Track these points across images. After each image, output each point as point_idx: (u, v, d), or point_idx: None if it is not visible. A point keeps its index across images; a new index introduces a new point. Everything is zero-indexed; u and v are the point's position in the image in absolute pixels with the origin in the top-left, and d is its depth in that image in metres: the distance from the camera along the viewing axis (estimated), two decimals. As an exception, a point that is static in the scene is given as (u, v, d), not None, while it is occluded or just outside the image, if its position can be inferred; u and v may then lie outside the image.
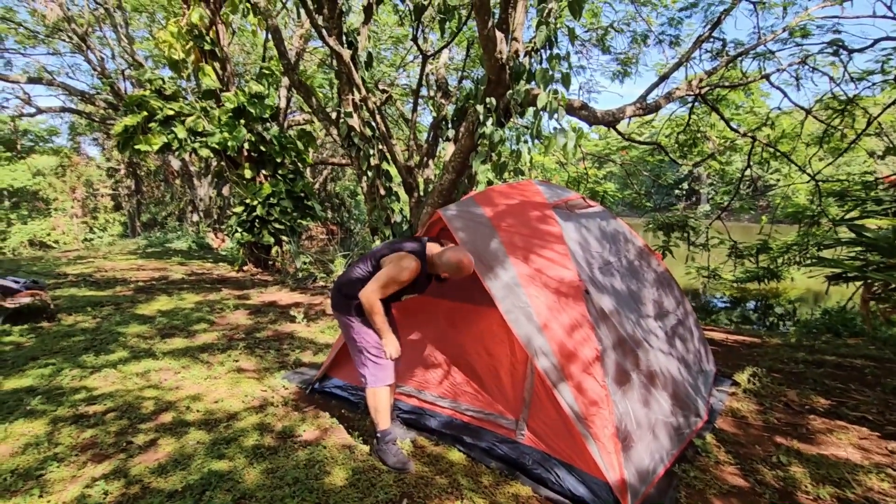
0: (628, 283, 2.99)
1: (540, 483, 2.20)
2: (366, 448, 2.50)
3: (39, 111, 14.82)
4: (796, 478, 2.31)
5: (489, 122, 5.58)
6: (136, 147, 8.02)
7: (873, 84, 7.69)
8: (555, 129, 5.32)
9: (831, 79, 7.77)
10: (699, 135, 10.23)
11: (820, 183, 8.45)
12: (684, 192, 42.44)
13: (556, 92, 5.22)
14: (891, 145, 8.32)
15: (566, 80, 5.42)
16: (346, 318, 2.48)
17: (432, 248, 2.45)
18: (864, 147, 8.90)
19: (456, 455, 2.46)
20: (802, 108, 8.22)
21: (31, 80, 12.94)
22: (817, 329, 6.13)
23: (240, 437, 2.62)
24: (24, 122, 18.36)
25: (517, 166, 5.97)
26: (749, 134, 8.82)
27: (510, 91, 5.48)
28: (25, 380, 3.39)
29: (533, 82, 5.60)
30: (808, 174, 8.57)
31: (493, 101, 5.53)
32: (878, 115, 7.53)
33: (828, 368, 3.84)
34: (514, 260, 2.39)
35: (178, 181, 19.83)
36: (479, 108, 5.55)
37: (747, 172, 9.73)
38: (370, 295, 2.30)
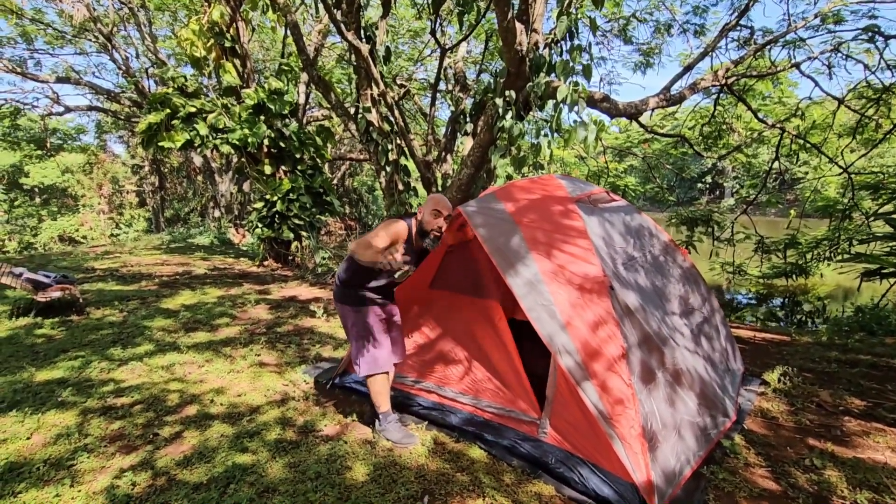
0: (653, 279, 2.91)
1: (563, 482, 2.16)
2: (386, 444, 2.50)
3: (68, 110, 15.25)
4: (831, 482, 2.22)
5: (508, 116, 5.51)
6: (160, 144, 8.16)
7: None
8: (575, 121, 5.23)
9: (866, 66, 7.46)
10: (724, 126, 9.95)
11: (852, 175, 8.14)
12: (707, 186, 41.51)
13: (576, 84, 5.11)
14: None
15: (587, 72, 5.32)
16: (342, 307, 2.61)
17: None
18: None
19: (477, 452, 2.44)
20: (835, 97, 7.92)
21: (59, 80, 13.32)
22: (849, 327, 5.92)
23: (262, 430, 2.64)
24: (53, 121, 18.92)
25: (537, 160, 5.89)
26: (778, 125, 8.55)
27: (530, 83, 5.39)
28: (57, 371, 3.49)
29: (553, 74, 5.50)
30: (840, 166, 8.27)
31: (513, 94, 5.46)
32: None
33: (862, 368, 3.70)
34: (536, 256, 2.35)
35: (200, 177, 20.22)
36: (499, 101, 5.48)
37: (775, 165, 9.44)
38: (351, 245, 2.38)
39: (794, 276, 9.79)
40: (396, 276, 2.60)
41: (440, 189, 7.18)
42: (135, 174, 22.26)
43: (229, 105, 8.65)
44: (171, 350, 3.95)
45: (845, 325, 6.13)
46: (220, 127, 8.34)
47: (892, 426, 2.76)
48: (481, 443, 2.49)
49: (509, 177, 6.10)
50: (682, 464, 2.15)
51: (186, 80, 8.91)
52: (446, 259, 3.03)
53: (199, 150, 8.50)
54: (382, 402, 2.56)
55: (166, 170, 21.78)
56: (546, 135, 5.69)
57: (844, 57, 7.64)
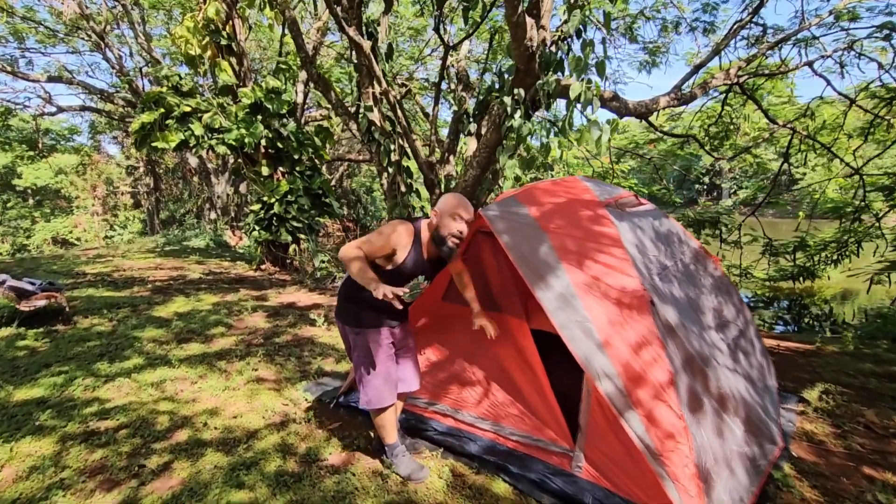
0: (686, 291, 2.67)
1: (602, 526, 1.92)
2: (398, 478, 2.24)
3: (60, 110, 14.92)
4: (901, 521, 1.99)
5: (517, 115, 5.27)
6: (154, 144, 7.88)
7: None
8: (588, 120, 4.99)
9: (880, 65, 7.28)
10: (731, 127, 9.76)
11: (864, 176, 7.97)
12: (705, 187, 41.47)
13: (589, 81, 4.88)
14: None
15: (601, 69, 5.08)
16: (341, 326, 2.30)
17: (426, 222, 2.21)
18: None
19: (501, 486, 2.19)
20: (847, 96, 7.75)
21: (50, 79, 13.01)
22: (872, 334, 5.70)
23: (260, 460, 2.39)
24: (45, 121, 18.57)
25: (546, 161, 5.65)
26: (788, 125, 8.37)
27: (540, 81, 5.16)
28: (37, 389, 3.22)
29: (560, 72, 5.27)
30: (852, 167, 8.11)
31: (522, 92, 5.21)
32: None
33: (903, 383, 3.47)
34: (567, 266, 2.10)
35: (195, 178, 19.90)
36: (507, 99, 5.24)
37: (784, 166, 9.26)
38: (345, 248, 2.02)
39: (801, 279, 9.59)
40: (403, 294, 2.13)
41: (444, 191, 6.93)
42: (129, 175, 21.93)
43: (225, 104, 8.39)
44: (162, 364, 3.69)
45: (867, 331, 5.91)
46: (216, 127, 8.08)
47: (952, 451, 2.52)
48: (505, 475, 2.23)
49: (518, 178, 5.86)
50: (736, 503, 1.90)
51: (181, 78, 8.64)
52: (461, 268, 2.78)
53: (194, 150, 8.24)
54: (388, 434, 2.28)
55: (161, 171, 21.45)
56: (557, 134, 5.47)
57: (857, 55, 7.45)
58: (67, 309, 4.88)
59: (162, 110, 7.89)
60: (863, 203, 8.22)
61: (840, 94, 7.92)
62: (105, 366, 3.65)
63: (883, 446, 2.59)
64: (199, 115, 8.11)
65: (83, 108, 15.80)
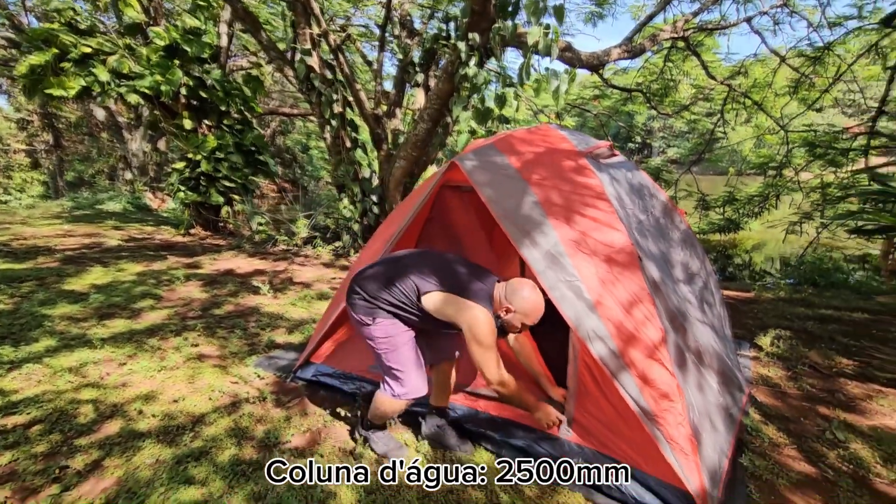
0: (659, 245, 2.62)
1: (595, 489, 1.85)
2: (374, 456, 2.06)
3: (-79, 49, 12.44)
4: (861, 457, 2.10)
5: (472, 62, 4.95)
6: (48, 92, 6.76)
7: (849, 31, 7.58)
8: (547, 69, 4.77)
9: (809, 24, 7.63)
10: (671, 83, 9.97)
11: (789, 133, 8.50)
12: (637, 145, 43.18)
13: (548, 26, 4.62)
14: (862, 95, 8.36)
15: (559, 14, 4.82)
16: (352, 315, 1.93)
17: (499, 287, 1.88)
18: (833, 96, 8.89)
19: (485, 456, 2.07)
20: (778, 54, 8.10)
21: None
22: (798, 280, 6.19)
23: (211, 448, 2.10)
24: None
25: (501, 113, 5.42)
26: (725, 82, 8.67)
27: (496, 25, 4.83)
28: (-82, 384, 2.68)
29: (518, 17, 4.97)
30: (779, 124, 8.60)
31: (476, 37, 4.87)
32: (851, 64, 7.46)
33: (833, 325, 3.73)
34: (554, 222, 1.93)
35: (104, 134, 17.71)
36: (461, 45, 4.88)
37: (719, 122, 9.65)
38: (497, 378, 1.81)
39: (727, 231, 10.28)
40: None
41: (391, 147, 6.52)
42: (22, 130, 19.11)
43: (134, 46, 7.29)
44: (81, 345, 3.20)
45: (796, 278, 6.41)
46: (125, 72, 7.02)
47: (889, 387, 2.73)
48: (487, 443, 2.12)
49: (472, 131, 5.60)
50: (719, 456, 1.90)
51: (76, 12, 7.36)
52: (428, 227, 2.55)
53: (98, 99, 7.15)
54: (379, 418, 2.04)
55: (62, 125, 18.87)
56: (512, 84, 5.22)
57: (790, 13, 7.73)
58: (-47, 286, 4.13)
59: (55, 51, 6.72)
60: (786, 158, 8.79)
61: (772, 51, 8.24)
62: (8, 350, 3.10)
63: (830, 385, 2.75)
64: (103, 57, 7.00)
65: (-48, 48, 13.28)
